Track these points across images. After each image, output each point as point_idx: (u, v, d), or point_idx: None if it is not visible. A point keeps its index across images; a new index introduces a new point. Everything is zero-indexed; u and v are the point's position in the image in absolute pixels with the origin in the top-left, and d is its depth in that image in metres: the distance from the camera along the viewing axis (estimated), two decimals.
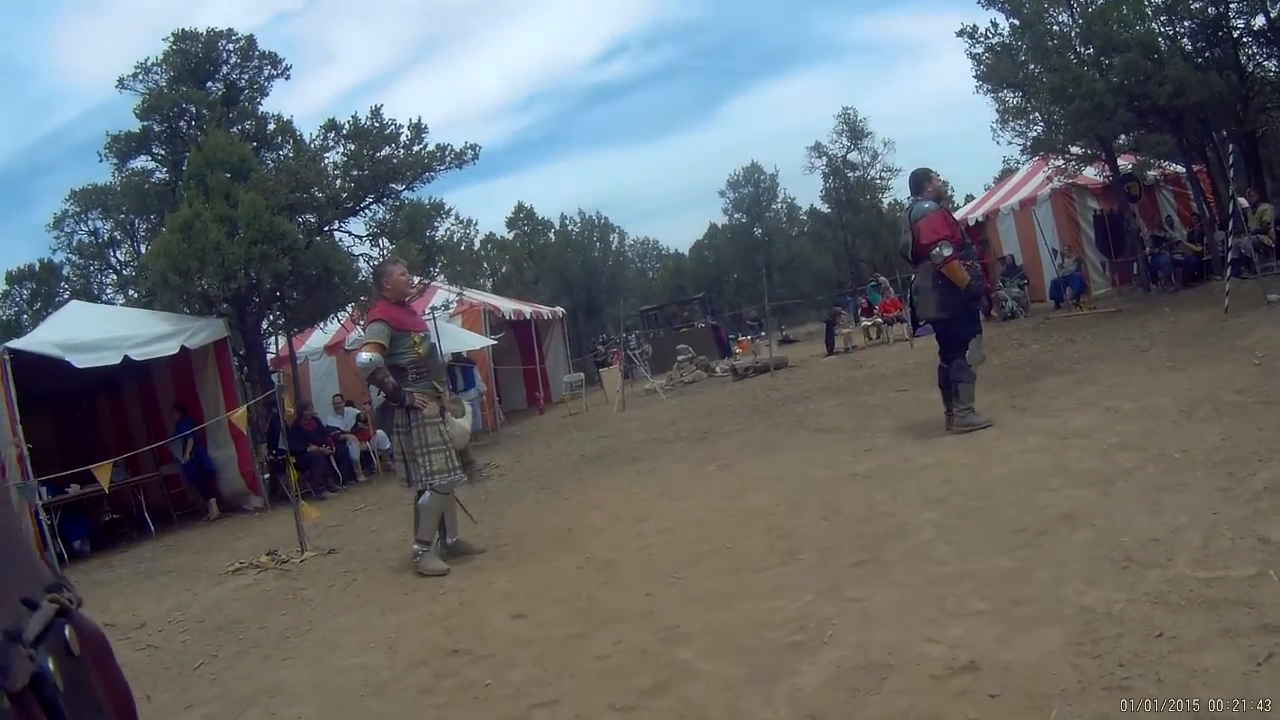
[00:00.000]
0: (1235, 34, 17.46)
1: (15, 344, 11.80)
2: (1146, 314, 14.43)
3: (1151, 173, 21.51)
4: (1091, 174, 20.63)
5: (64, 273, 39.89)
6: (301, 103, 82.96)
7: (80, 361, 11.54)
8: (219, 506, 13.31)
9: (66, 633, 0.87)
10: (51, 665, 0.80)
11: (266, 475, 13.55)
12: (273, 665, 5.54)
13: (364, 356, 6.85)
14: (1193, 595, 3.70)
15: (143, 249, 32.02)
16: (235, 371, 14.38)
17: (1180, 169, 19.95)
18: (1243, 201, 16.32)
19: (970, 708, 3.25)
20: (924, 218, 8.38)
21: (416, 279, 17.25)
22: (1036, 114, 18.12)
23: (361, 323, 7.85)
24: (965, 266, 8.35)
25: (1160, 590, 3.82)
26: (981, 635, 3.80)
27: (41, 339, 12.22)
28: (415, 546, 7.09)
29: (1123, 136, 19.18)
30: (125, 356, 12.00)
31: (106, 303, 32.23)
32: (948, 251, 8.21)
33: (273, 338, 17.74)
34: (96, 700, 0.90)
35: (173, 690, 5.32)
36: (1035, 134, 18.54)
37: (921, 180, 8.73)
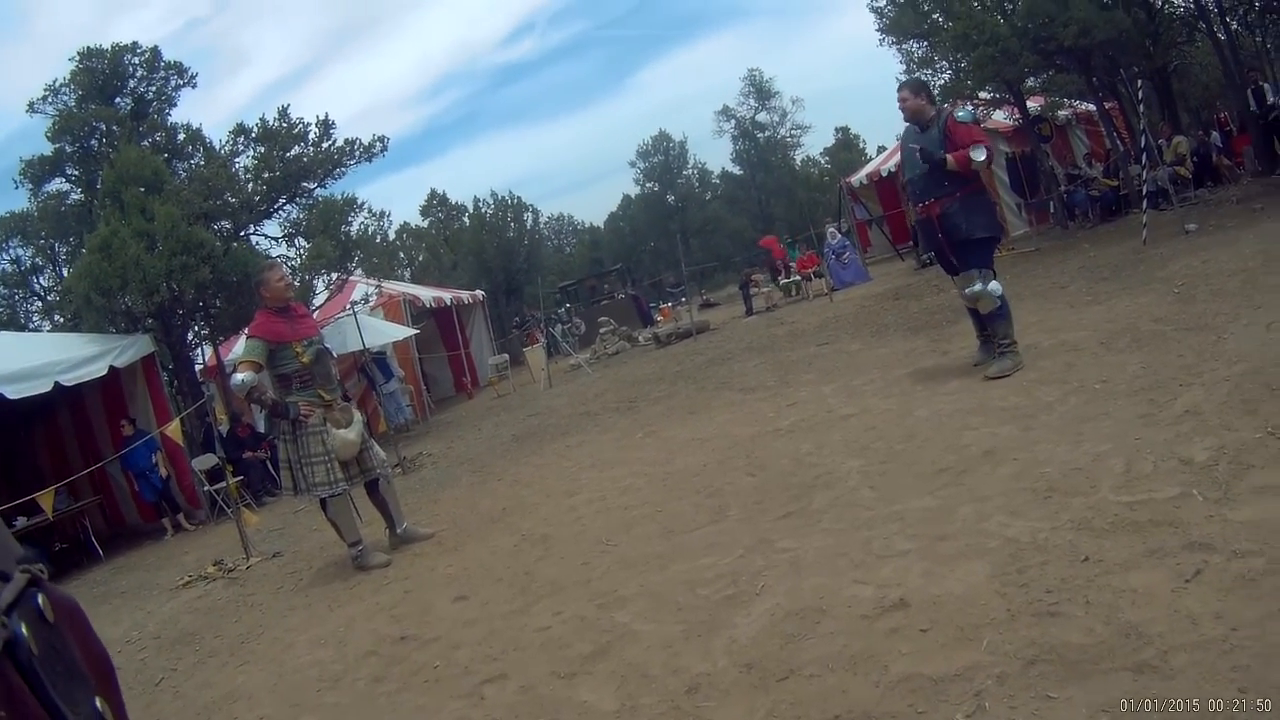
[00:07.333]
0: None
1: None
2: (1065, 251, 14.63)
3: (1062, 112, 21.83)
4: (1001, 118, 20.89)
5: None
6: (221, 107, 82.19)
7: (13, 392, 11.21)
8: (170, 524, 13.08)
9: (39, 601, 0.88)
10: (25, 631, 0.81)
11: (206, 487, 13.39)
12: (230, 672, 5.55)
13: (238, 377, 6.81)
14: (1117, 519, 3.73)
15: (65, 272, 31.36)
16: (165, 386, 14.16)
17: (1092, 107, 20.26)
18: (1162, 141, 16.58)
19: (903, 643, 3.29)
20: None
21: (335, 275, 17.20)
22: (943, 62, 18.28)
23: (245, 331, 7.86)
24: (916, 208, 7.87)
25: (1084, 517, 3.85)
26: (909, 573, 3.85)
27: None
28: (349, 551, 7.13)
29: (1031, 79, 19.37)
30: (56, 383, 11.73)
31: (34, 330, 31.70)
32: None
33: (199, 348, 17.53)
34: (74, 665, 0.91)
35: (137, 707, 5.27)
36: (942, 81, 18.64)
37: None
